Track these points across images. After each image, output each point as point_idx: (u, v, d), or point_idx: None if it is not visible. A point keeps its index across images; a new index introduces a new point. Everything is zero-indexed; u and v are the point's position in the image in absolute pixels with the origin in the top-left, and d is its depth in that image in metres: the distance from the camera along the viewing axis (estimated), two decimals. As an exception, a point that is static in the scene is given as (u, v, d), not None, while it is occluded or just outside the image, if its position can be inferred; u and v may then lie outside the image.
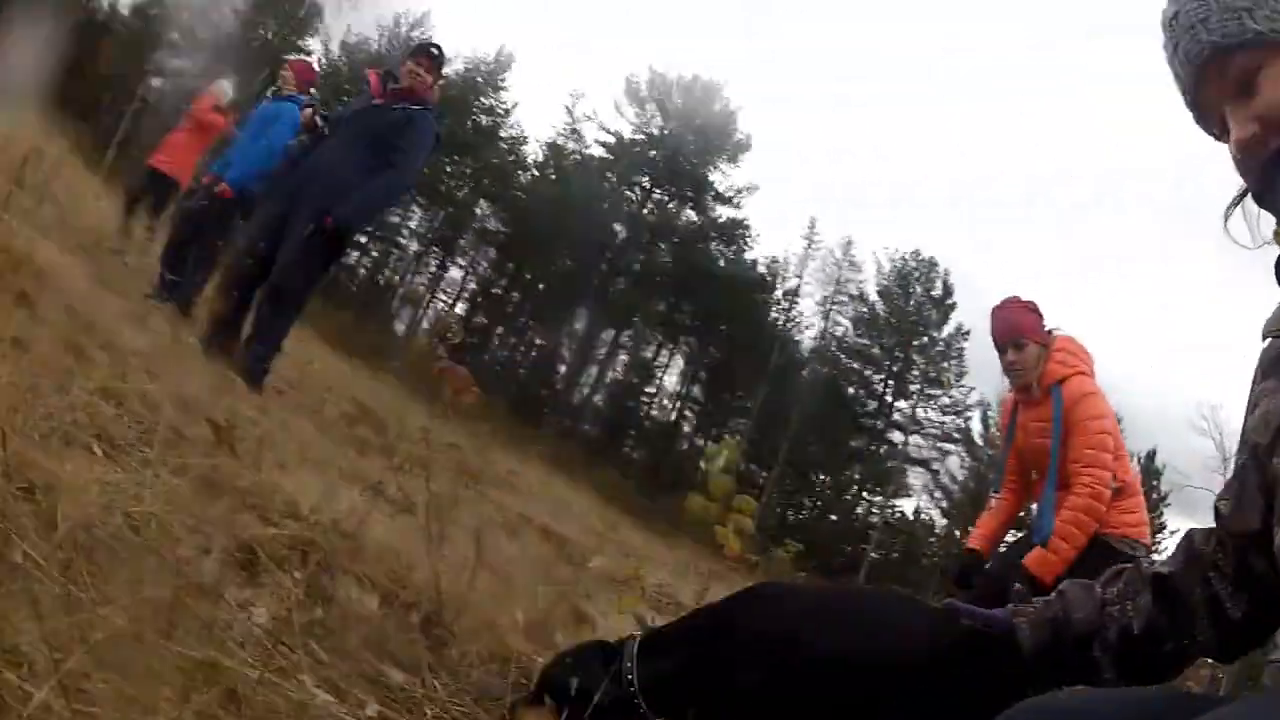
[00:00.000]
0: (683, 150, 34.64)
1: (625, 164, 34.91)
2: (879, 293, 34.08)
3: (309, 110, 4.71)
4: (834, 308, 34.31)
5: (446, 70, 5.11)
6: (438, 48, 4.73)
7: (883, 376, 33.68)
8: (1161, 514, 27.26)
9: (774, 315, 34.65)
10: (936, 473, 32.63)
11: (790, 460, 31.51)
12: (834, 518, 32.32)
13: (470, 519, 1.67)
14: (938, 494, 32.69)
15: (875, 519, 32.13)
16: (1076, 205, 45.61)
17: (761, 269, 35.00)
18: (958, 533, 28.47)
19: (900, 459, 32.79)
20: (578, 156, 35.44)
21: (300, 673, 1.15)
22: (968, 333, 32.37)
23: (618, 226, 34.78)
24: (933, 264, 33.87)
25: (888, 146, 49.10)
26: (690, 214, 35.38)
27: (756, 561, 2.32)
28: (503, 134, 35.10)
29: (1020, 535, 3.49)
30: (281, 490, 1.85)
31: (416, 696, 1.32)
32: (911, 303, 33.56)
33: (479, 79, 34.25)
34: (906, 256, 34.06)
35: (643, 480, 31.20)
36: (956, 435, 32.53)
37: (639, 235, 34.61)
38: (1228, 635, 1.06)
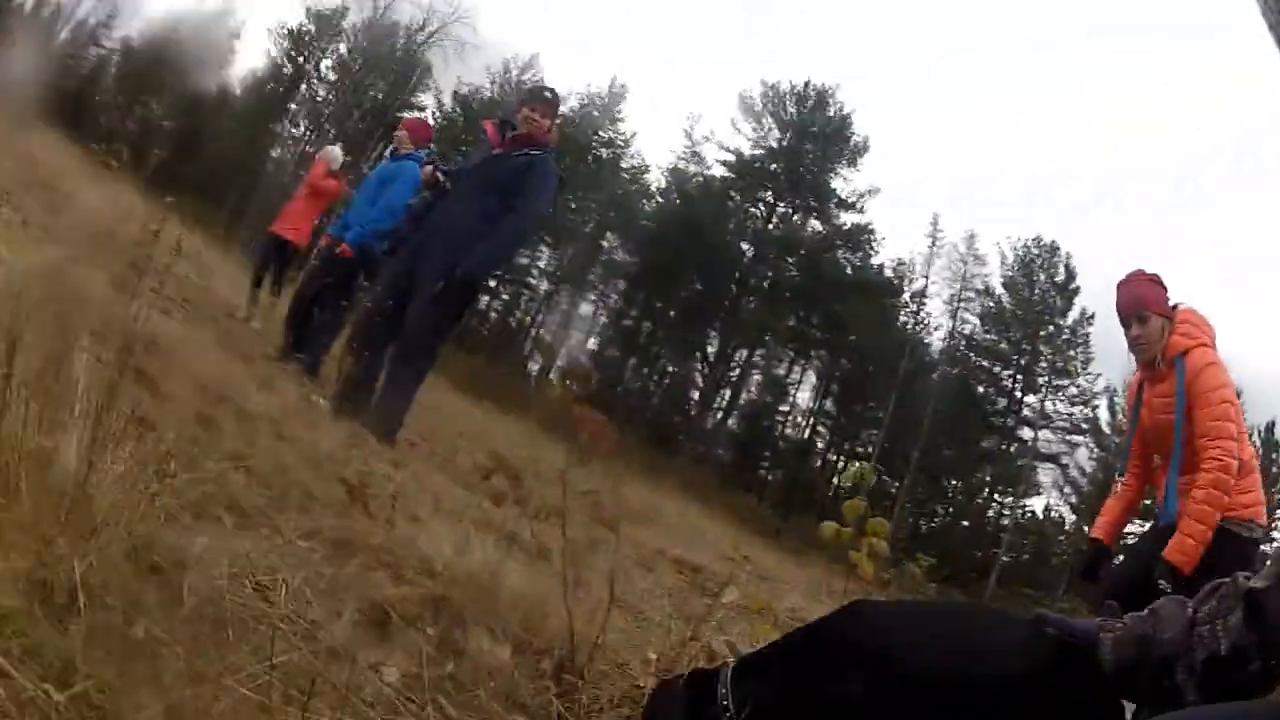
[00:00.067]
0: (802, 160, 34.25)
1: (748, 180, 34.78)
2: (1004, 284, 33.35)
3: (429, 166, 4.80)
4: (961, 305, 33.60)
5: (562, 109, 5.16)
6: (552, 91, 4.80)
7: (1011, 372, 32.95)
8: (1282, 490, 24.98)
9: (903, 319, 33.94)
10: (1066, 467, 31.59)
11: (922, 467, 30.81)
12: (965, 524, 31.46)
13: (605, 561, 1.62)
14: (1066, 489, 31.63)
15: (1006, 520, 31.15)
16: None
17: (888, 272, 34.27)
18: (1086, 528, 26.78)
19: (1030, 456, 31.68)
20: (700, 178, 35.50)
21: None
22: (1092, 317, 31.18)
23: (744, 245, 34.60)
24: (1054, 248, 32.91)
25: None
26: (815, 224, 34.87)
27: (889, 579, 2.24)
28: (624, 164, 35.66)
29: (1148, 525, 3.39)
30: (415, 545, 1.85)
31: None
32: (1036, 292, 32.73)
33: (595, 112, 34.88)
34: (1029, 244, 33.13)
35: (776, 501, 30.79)
36: (1084, 426, 31.57)
37: (765, 251, 34.29)
38: None
